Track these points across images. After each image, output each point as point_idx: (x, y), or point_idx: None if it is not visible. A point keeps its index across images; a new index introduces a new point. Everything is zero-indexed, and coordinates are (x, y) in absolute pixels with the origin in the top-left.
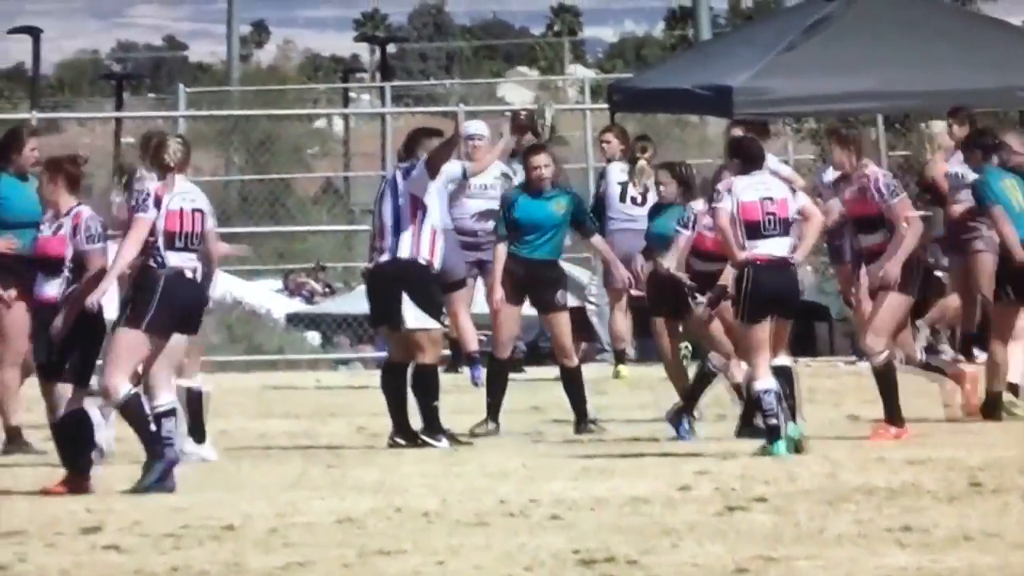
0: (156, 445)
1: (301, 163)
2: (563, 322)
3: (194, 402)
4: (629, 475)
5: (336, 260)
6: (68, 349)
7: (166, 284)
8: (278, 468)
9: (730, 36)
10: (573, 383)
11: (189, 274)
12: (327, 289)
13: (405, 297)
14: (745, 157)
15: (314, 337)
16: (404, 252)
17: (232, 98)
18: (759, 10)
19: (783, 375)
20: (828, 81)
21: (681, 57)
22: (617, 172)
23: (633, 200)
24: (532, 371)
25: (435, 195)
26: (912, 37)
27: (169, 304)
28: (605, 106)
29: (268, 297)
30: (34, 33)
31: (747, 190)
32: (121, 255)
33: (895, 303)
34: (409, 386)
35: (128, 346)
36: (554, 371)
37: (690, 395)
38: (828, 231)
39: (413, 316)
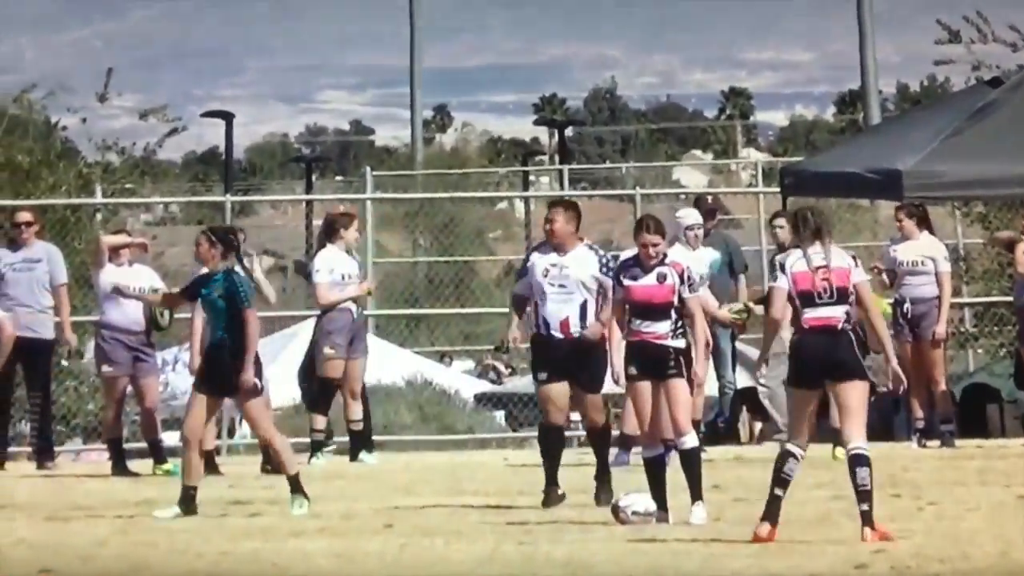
0: None
1: (483, 246)
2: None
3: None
4: (807, 553)
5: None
6: None
7: None
8: (470, 546)
9: (898, 120)
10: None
11: None
12: (510, 369)
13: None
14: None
15: (500, 416)
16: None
17: (416, 181)
18: (926, 94)
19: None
20: (995, 165)
21: (851, 141)
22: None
23: None
24: (712, 450)
25: None
26: None
27: None
28: (777, 190)
29: (457, 378)
30: (227, 118)
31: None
32: None
33: None
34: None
35: None
36: (734, 450)
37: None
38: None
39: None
